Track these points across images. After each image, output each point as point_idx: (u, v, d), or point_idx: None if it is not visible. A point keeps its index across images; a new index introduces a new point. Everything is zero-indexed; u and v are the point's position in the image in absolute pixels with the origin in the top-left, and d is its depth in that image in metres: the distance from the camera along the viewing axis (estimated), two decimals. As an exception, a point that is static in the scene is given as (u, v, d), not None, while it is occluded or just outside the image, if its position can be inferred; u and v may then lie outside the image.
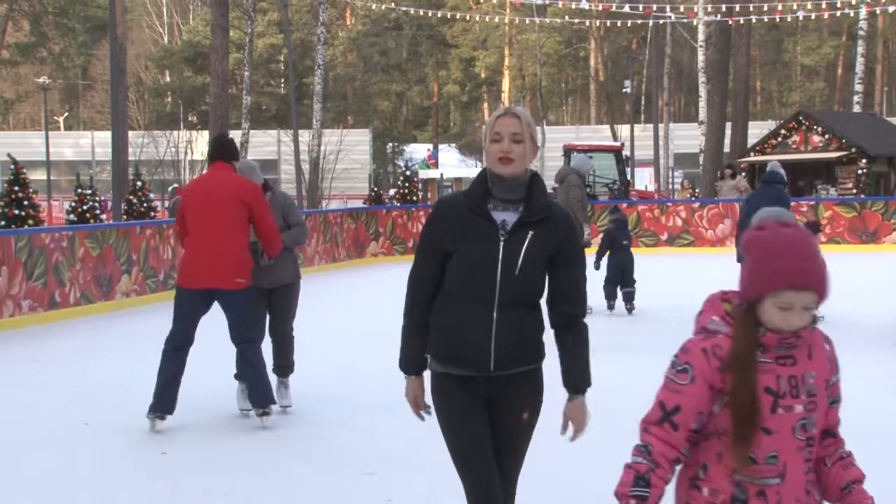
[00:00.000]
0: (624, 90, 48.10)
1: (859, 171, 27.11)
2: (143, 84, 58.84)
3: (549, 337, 3.30)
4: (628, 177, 29.19)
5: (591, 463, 5.00)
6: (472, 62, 61.70)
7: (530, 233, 3.21)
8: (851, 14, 36.94)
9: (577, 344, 3.30)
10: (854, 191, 26.59)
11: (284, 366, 7.19)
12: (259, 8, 46.32)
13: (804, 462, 2.37)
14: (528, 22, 54.21)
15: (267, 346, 6.89)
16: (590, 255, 8.40)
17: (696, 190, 32.65)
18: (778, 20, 43.38)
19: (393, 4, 51.17)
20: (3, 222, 15.30)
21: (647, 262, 14.85)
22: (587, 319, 3.38)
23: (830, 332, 2.62)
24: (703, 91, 33.73)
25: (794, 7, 37.10)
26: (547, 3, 42.63)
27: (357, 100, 57.87)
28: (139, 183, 19.01)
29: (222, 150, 6.75)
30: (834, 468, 2.45)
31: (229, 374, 7.14)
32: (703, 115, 33.33)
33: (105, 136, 46.89)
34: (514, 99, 57.00)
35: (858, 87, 37.15)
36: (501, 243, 3.20)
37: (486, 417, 3.31)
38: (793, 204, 17.33)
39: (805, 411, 2.35)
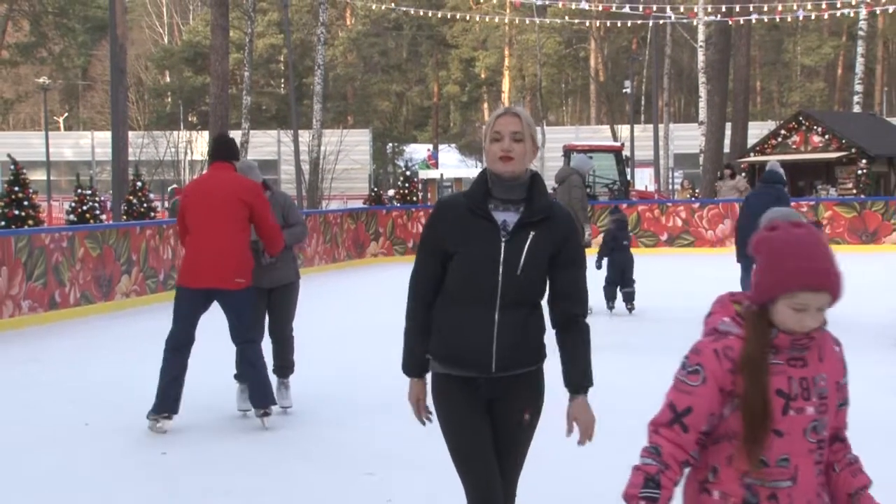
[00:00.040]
0: (624, 90, 48.10)
1: (859, 172, 27.12)
2: (143, 84, 58.86)
3: (549, 338, 3.30)
4: (628, 177, 29.19)
5: (592, 463, 4.99)
6: (472, 62, 61.72)
7: (532, 233, 3.21)
8: (851, 14, 36.93)
9: (578, 343, 3.29)
10: (854, 191, 26.60)
11: (284, 366, 7.19)
12: (259, 8, 46.32)
13: (815, 465, 2.36)
14: (528, 22, 54.21)
15: (267, 347, 6.89)
16: (590, 255, 8.39)
17: (696, 190, 32.65)
18: (778, 20, 43.40)
19: (393, 4, 51.16)
20: (3, 222, 15.29)
21: (647, 263, 14.85)
22: (587, 320, 3.37)
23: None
24: (703, 91, 33.73)
25: (794, 7, 37.10)
26: (547, 3, 42.63)
27: (357, 100, 57.88)
28: (139, 183, 19.00)
29: (223, 150, 6.75)
30: (843, 474, 2.44)
31: (229, 375, 7.14)
32: (703, 115, 33.33)
33: (105, 137, 46.88)
34: (514, 99, 56.99)
35: (858, 88, 37.16)
36: (503, 244, 3.19)
37: (486, 418, 3.30)
38: (792, 204, 17.32)
39: (816, 413, 2.33)
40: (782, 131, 29.81)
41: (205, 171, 6.95)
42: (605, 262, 11.81)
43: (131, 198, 18.86)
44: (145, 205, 18.86)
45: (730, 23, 31.54)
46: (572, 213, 3.74)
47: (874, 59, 55.63)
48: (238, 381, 7.02)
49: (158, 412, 6.48)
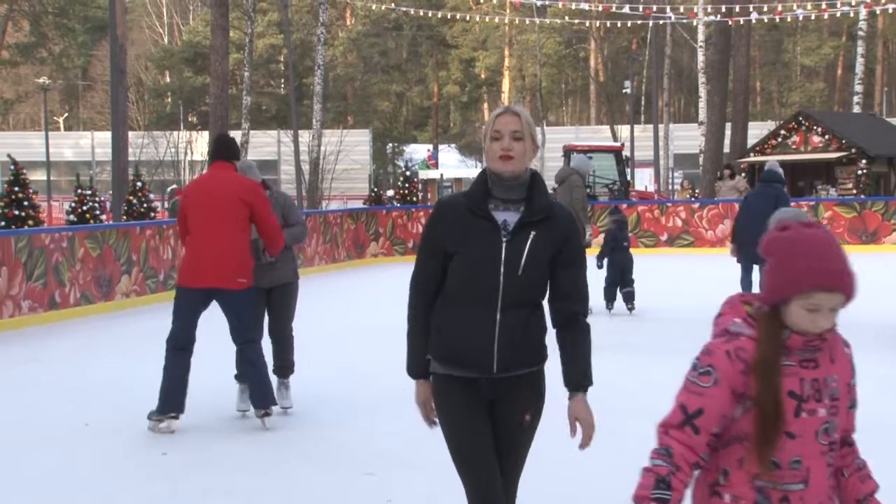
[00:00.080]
0: (624, 91, 48.10)
1: (859, 172, 27.12)
2: (143, 84, 58.87)
3: (550, 339, 3.29)
4: (628, 177, 29.20)
5: (592, 463, 4.99)
6: (472, 62, 61.73)
7: (532, 233, 3.20)
8: (851, 14, 36.93)
9: (578, 342, 3.28)
10: (854, 191, 26.60)
11: (284, 366, 7.19)
12: (259, 8, 46.32)
13: (826, 467, 2.34)
14: (528, 22, 54.23)
15: (267, 347, 6.89)
16: (590, 255, 8.38)
17: (696, 190, 32.65)
18: (778, 20, 43.38)
19: (393, 5, 51.15)
20: (3, 223, 15.29)
21: (647, 263, 14.86)
22: (587, 320, 3.36)
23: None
24: (702, 91, 33.74)
25: (794, 7, 37.09)
26: (547, 3, 42.63)
27: (357, 100, 57.88)
28: (139, 183, 18.99)
29: (223, 150, 6.75)
30: (852, 479, 2.43)
31: (229, 375, 7.14)
32: (702, 115, 33.34)
33: (105, 137, 46.87)
34: (514, 99, 56.96)
35: (858, 88, 37.17)
36: (503, 244, 3.18)
37: (487, 419, 3.29)
38: (792, 204, 17.31)
39: (828, 415, 2.32)
40: (782, 131, 29.82)
41: (205, 171, 6.95)
42: (605, 262, 11.81)
43: (131, 198, 18.86)
44: (145, 205, 18.86)
45: (730, 23, 31.54)
46: (573, 213, 3.72)
47: (874, 60, 55.64)
48: (238, 382, 7.01)
49: (165, 412, 6.46)
